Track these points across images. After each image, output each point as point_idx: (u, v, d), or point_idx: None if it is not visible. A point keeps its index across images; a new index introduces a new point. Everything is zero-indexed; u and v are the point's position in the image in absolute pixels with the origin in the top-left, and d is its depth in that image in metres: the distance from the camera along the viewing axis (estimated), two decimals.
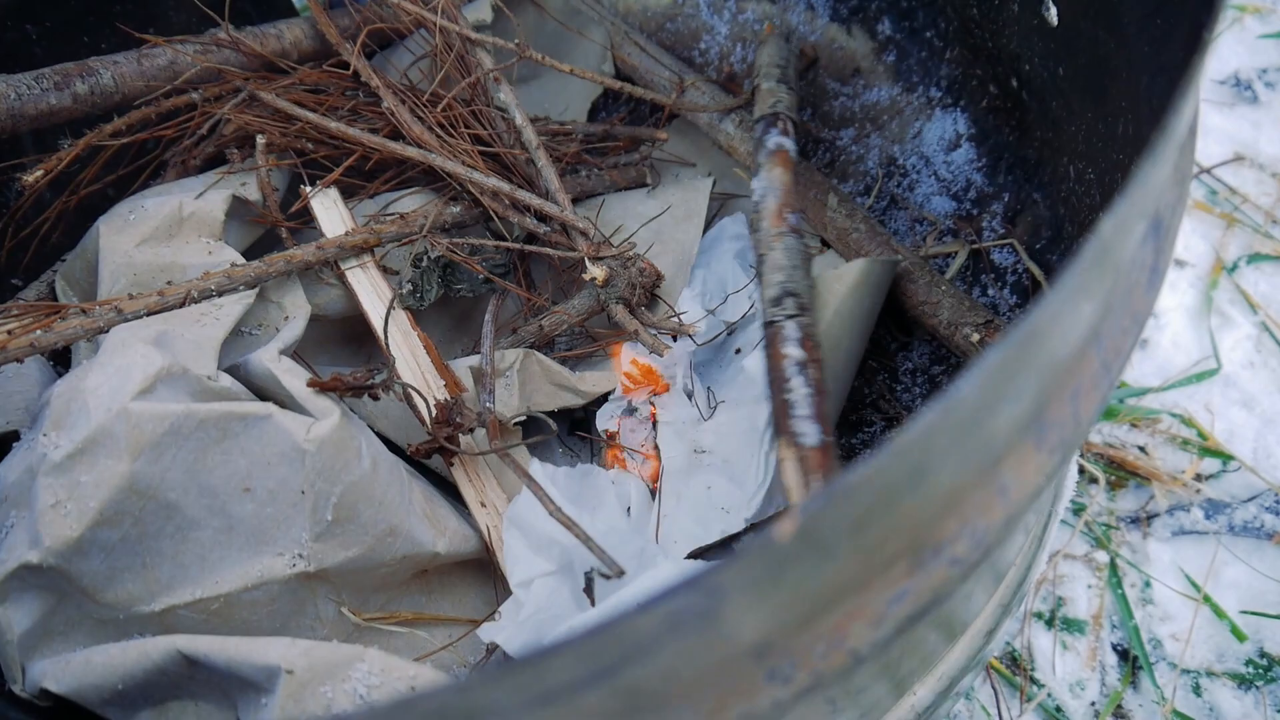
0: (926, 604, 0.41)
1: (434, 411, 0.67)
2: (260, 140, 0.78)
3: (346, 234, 0.74)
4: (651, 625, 0.30)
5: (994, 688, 0.95)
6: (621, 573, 0.62)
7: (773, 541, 0.29)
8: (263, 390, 0.66)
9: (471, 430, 0.66)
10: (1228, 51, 1.24)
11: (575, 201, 0.87)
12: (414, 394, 0.67)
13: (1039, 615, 0.99)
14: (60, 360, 0.80)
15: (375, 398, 0.65)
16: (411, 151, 0.78)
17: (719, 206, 0.93)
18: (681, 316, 0.79)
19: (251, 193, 0.78)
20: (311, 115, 0.80)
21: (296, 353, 0.70)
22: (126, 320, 0.65)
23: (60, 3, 0.89)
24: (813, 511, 0.29)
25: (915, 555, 0.39)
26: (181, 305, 0.66)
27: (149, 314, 0.66)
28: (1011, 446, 0.40)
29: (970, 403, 0.31)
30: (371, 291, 0.73)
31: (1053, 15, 0.78)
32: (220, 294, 0.68)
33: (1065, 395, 0.42)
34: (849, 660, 0.40)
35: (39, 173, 0.71)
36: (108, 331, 0.65)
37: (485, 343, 0.71)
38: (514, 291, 0.80)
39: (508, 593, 0.67)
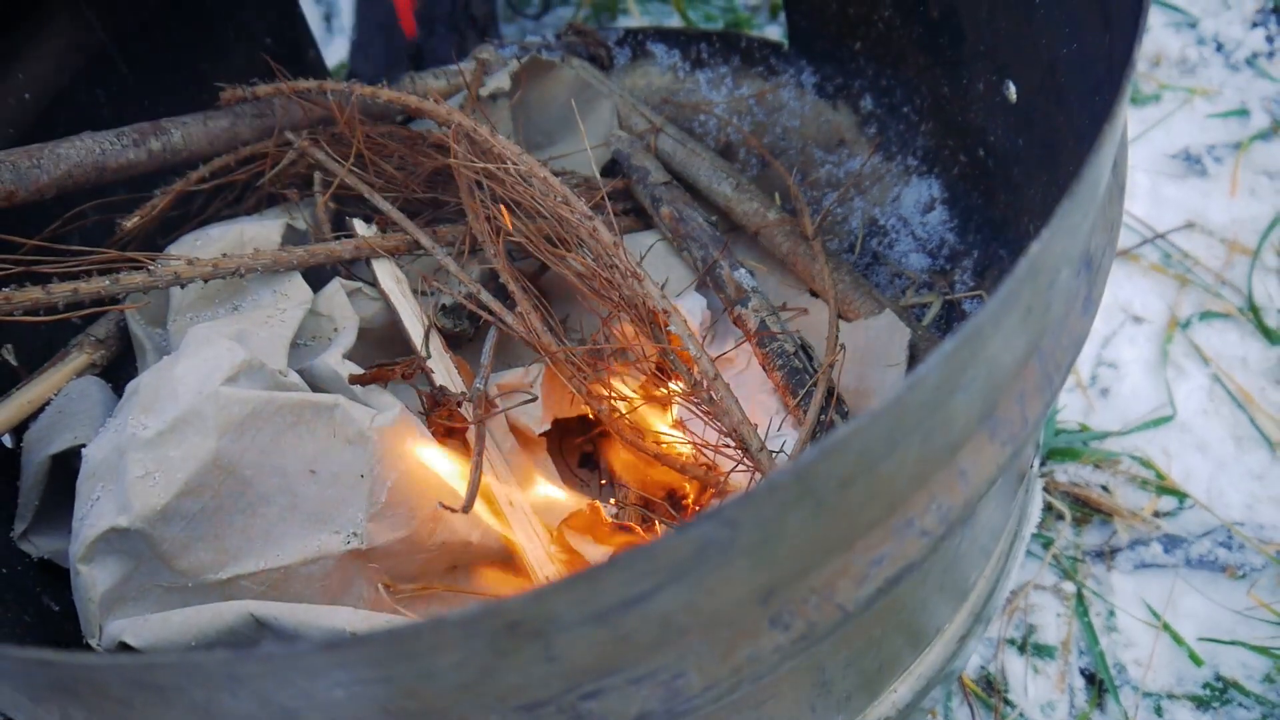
0: (901, 570, 0.49)
1: (424, 404, 0.75)
2: (318, 176, 0.88)
3: (384, 237, 0.85)
4: (684, 550, 0.38)
5: (970, 707, 1.02)
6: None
7: (777, 484, 0.37)
8: (328, 391, 0.74)
9: (460, 404, 0.74)
10: (1179, 129, 1.36)
11: None
12: (432, 374, 0.76)
13: (1011, 641, 1.06)
14: (111, 380, 0.87)
15: (407, 377, 0.74)
16: (425, 241, 0.87)
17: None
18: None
19: (301, 223, 0.87)
20: (349, 178, 0.89)
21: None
22: (183, 284, 0.75)
23: (128, 71, 0.99)
24: (808, 462, 0.37)
25: (891, 521, 0.47)
26: (235, 274, 0.77)
27: (204, 280, 0.75)
28: (969, 434, 0.48)
29: (931, 383, 0.40)
30: (407, 307, 0.82)
31: (1012, 93, 0.89)
32: (266, 271, 0.78)
33: (1013, 397, 0.50)
34: (838, 614, 0.48)
35: (136, 219, 0.80)
36: (164, 289, 0.75)
37: (487, 343, 0.80)
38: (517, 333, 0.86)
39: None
